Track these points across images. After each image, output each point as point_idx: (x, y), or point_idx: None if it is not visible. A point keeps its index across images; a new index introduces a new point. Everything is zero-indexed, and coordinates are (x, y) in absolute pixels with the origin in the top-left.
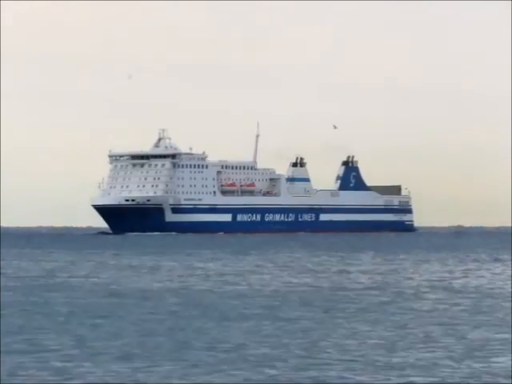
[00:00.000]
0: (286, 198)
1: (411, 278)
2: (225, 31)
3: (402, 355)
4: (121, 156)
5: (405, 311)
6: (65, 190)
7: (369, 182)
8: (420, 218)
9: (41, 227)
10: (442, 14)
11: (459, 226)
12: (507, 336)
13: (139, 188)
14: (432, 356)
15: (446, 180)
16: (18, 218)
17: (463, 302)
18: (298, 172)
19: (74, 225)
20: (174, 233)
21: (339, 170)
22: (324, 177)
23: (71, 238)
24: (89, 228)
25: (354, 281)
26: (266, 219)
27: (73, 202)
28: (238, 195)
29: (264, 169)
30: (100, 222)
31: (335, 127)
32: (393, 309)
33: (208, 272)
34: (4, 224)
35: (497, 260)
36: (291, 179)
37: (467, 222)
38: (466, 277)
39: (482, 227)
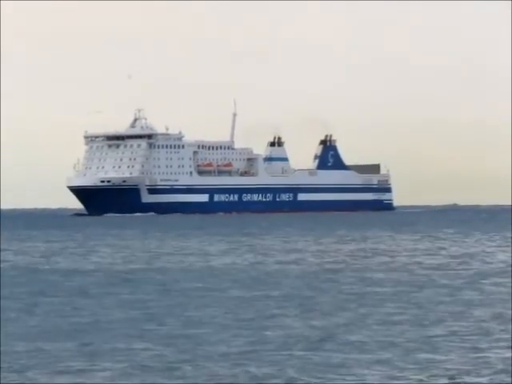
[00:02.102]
0: (264, 177)
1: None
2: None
3: None
4: (96, 137)
5: None
6: (49, 171)
7: (347, 161)
8: (404, 196)
9: (36, 209)
10: (441, 14)
11: (454, 205)
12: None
13: (115, 169)
14: None
15: (431, 158)
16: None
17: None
18: (276, 151)
19: (70, 206)
20: (151, 213)
21: (317, 149)
22: (302, 156)
23: (41, 220)
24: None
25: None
26: (244, 199)
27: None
28: (214, 175)
29: (241, 148)
30: None
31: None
32: None
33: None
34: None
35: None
36: (269, 159)
37: (462, 200)
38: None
39: (477, 205)
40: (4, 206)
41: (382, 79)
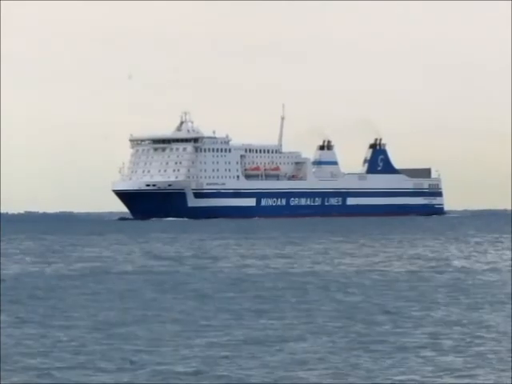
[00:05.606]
0: (312, 181)
1: None
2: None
3: None
4: (142, 140)
5: None
6: (91, 175)
7: (397, 165)
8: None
9: (72, 213)
10: (441, 14)
11: None
12: None
13: (160, 173)
14: None
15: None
16: (51, 203)
17: None
18: (326, 155)
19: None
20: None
21: (366, 152)
22: (352, 160)
23: (83, 224)
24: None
25: None
26: (292, 203)
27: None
28: (262, 179)
29: (289, 152)
30: None
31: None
32: None
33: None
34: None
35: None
36: (318, 162)
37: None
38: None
39: None
40: (48, 210)
41: (430, 83)
